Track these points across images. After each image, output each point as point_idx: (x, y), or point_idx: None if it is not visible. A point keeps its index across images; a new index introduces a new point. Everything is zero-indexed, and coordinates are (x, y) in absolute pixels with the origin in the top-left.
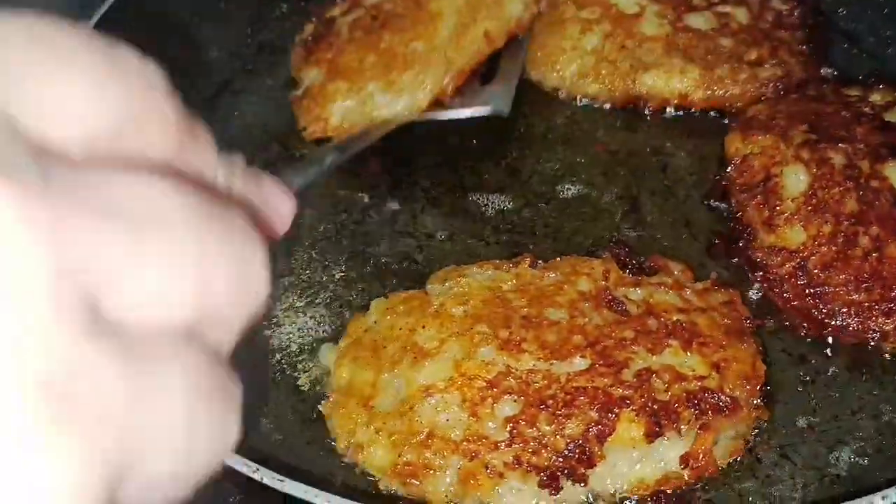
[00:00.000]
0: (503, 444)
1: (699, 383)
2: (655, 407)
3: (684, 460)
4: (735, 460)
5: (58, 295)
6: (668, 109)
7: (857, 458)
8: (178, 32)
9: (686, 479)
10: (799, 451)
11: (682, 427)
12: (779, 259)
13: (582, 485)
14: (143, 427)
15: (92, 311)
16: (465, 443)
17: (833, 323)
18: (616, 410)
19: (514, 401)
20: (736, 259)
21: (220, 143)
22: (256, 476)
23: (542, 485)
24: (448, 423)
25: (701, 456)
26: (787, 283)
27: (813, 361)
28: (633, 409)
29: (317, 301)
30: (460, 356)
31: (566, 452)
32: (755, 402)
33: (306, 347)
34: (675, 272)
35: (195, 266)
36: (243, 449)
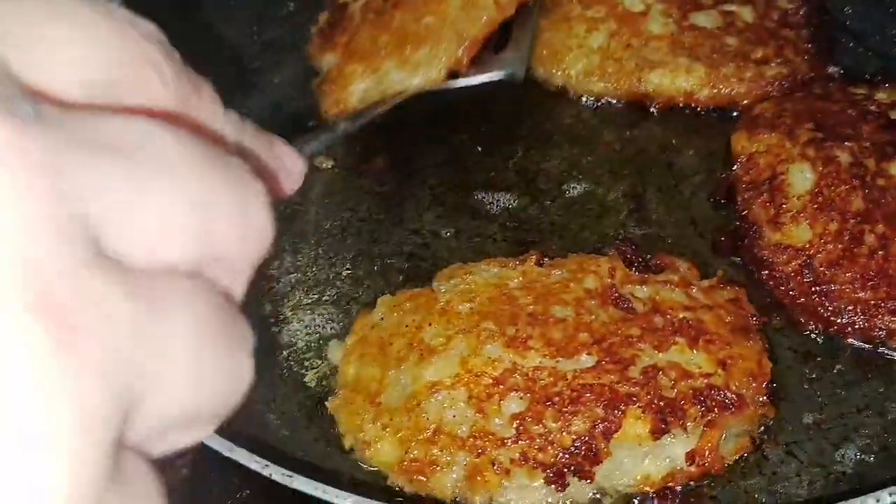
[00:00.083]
0: (510, 440)
1: (705, 380)
2: (662, 404)
3: (690, 457)
4: (741, 457)
5: (57, 224)
6: (673, 108)
7: (862, 456)
8: (183, 30)
9: (692, 475)
10: (805, 449)
11: (689, 424)
12: (785, 257)
13: (588, 481)
14: (149, 361)
15: (94, 244)
16: (471, 439)
17: (839, 321)
18: (622, 407)
19: (521, 398)
20: (742, 257)
21: None
22: (266, 472)
23: (548, 481)
24: (455, 420)
25: (707, 453)
26: (793, 280)
27: (819, 359)
28: (639, 406)
29: (324, 298)
30: (467, 353)
31: (572, 449)
32: (761, 399)
33: (313, 344)
34: (682, 270)
35: (196, 205)
36: (251, 445)
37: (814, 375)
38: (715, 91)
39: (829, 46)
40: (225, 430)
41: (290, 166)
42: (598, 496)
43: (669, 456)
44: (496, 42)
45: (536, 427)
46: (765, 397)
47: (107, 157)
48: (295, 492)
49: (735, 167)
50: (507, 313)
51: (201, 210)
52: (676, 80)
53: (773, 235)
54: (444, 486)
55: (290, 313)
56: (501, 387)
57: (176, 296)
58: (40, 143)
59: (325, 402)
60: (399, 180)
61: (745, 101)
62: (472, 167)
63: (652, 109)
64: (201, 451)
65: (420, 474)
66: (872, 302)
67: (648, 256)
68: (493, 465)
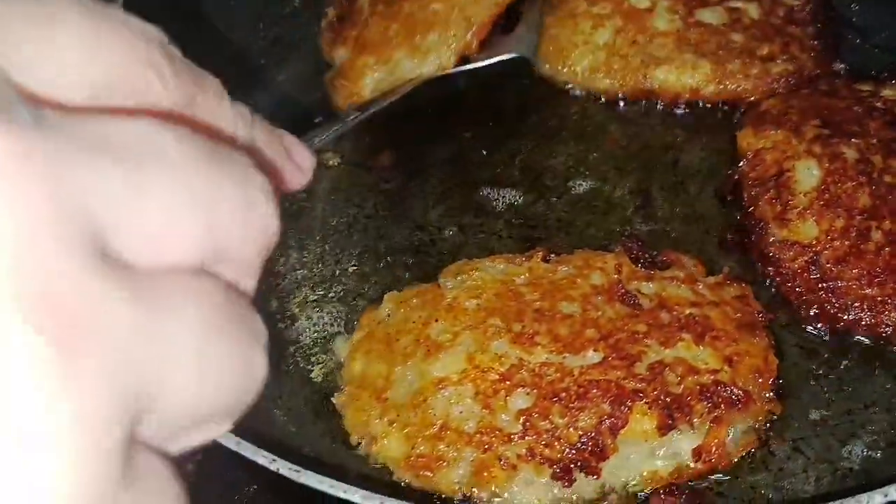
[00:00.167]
0: (516, 436)
1: (712, 377)
2: (668, 400)
3: (697, 453)
4: (748, 453)
5: (57, 230)
6: (679, 104)
7: (869, 452)
8: (189, 28)
9: (699, 471)
10: (812, 445)
11: (695, 420)
12: (791, 253)
13: (595, 477)
14: (155, 361)
15: (97, 247)
16: (478, 435)
17: (846, 317)
18: (629, 403)
19: (527, 393)
20: (748, 253)
21: None
22: (273, 467)
23: (555, 477)
24: (461, 416)
25: (713, 449)
26: (799, 277)
27: (825, 355)
28: (645, 402)
29: (330, 295)
30: (473, 349)
31: (579, 445)
32: (767, 395)
33: (320, 340)
34: (688, 266)
35: (199, 203)
36: (258, 440)
37: (820, 372)
38: (721, 87)
39: (835, 43)
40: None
41: (300, 161)
42: (604, 492)
43: (676, 452)
44: (505, 24)
45: (543, 423)
46: (771, 393)
47: (107, 160)
48: (302, 487)
49: (741, 164)
50: (513, 309)
51: (204, 207)
52: (682, 76)
53: (780, 232)
54: (450, 481)
55: (296, 309)
56: (508, 383)
57: (181, 294)
58: (40, 149)
59: (332, 398)
60: (405, 177)
61: (751, 98)
62: (478, 164)
63: (658, 106)
64: (208, 445)
65: (426, 470)
66: (879, 298)
67: (654, 253)
68: (500, 460)
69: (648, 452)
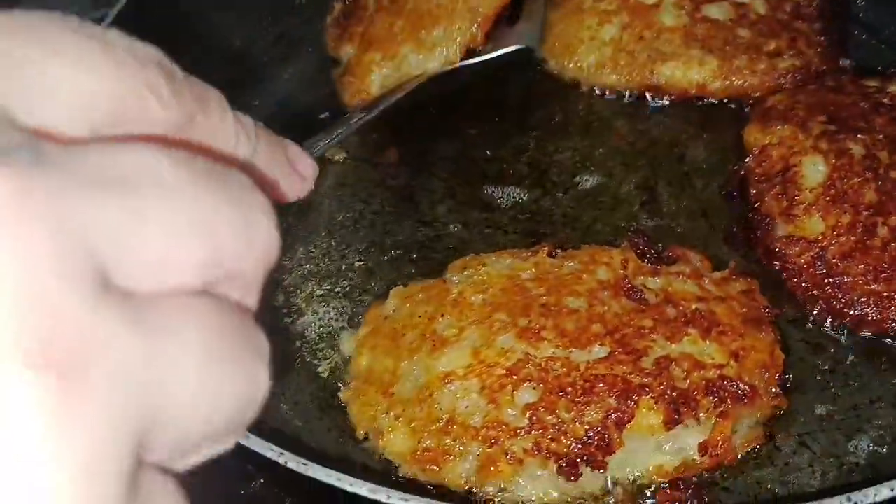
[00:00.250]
0: (522, 430)
1: (718, 371)
2: (674, 395)
3: (703, 448)
4: (754, 448)
5: (60, 269)
6: (686, 100)
7: (875, 447)
8: (196, 24)
9: (705, 466)
10: (818, 440)
11: (701, 415)
12: (797, 249)
13: (601, 471)
14: (162, 385)
15: (100, 279)
16: (484, 429)
17: (852, 312)
18: (635, 398)
19: (534, 388)
20: (754, 249)
21: None
22: (281, 460)
23: (561, 471)
24: (467, 410)
25: (719, 443)
26: (805, 272)
27: (831, 350)
28: (652, 397)
29: (336, 290)
30: (480, 344)
31: (585, 439)
32: (773, 390)
33: (326, 335)
34: (694, 261)
35: (198, 227)
36: (266, 434)
37: (826, 367)
38: (727, 83)
39: (842, 39)
40: None
41: (303, 169)
42: (610, 486)
43: (682, 446)
44: (509, 15)
45: (549, 417)
46: (777, 388)
47: (106, 192)
48: (308, 481)
49: (747, 159)
50: (519, 304)
51: (204, 231)
52: (689, 72)
53: (786, 227)
54: (456, 475)
55: (302, 305)
56: (514, 377)
57: (182, 317)
58: (40, 187)
59: (338, 393)
60: (411, 172)
61: (758, 94)
62: (485, 159)
63: (664, 102)
64: None
65: (433, 464)
66: (885, 294)
67: (661, 248)
68: (506, 455)
69: (654, 447)
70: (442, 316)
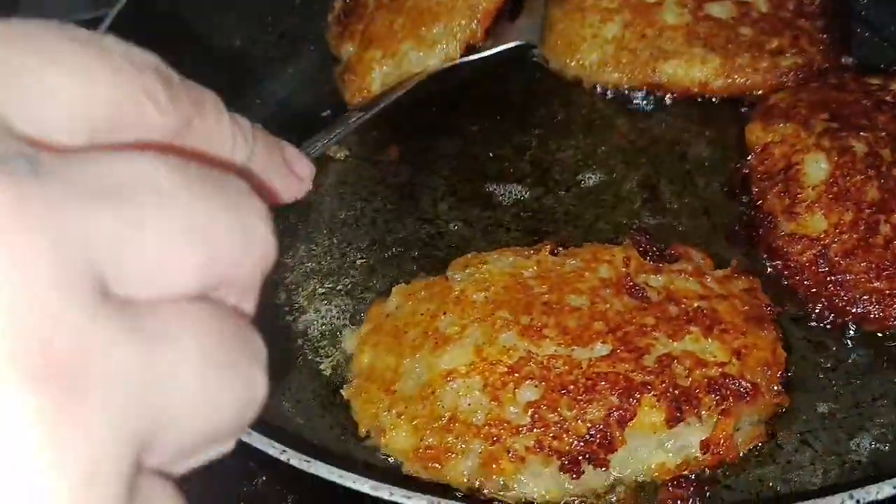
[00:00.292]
0: (525, 428)
1: (720, 369)
2: (676, 392)
3: (705, 446)
4: (756, 446)
5: (58, 280)
6: (688, 98)
7: (877, 445)
8: (197, 23)
9: (707, 464)
10: (819, 438)
11: (703, 413)
12: (799, 247)
13: (603, 469)
14: (161, 391)
15: (97, 288)
16: (486, 427)
17: (854, 310)
18: (637, 396)
19: (536, 386)
20: (756, 247)
21: None
22: (283, 457)
23: (563, 469)
24: (470, 408)
25: (721, 441)
26: (807, 270)
27: (833, 348)
28: (654, 395)
29: (338, 287)
30: (482, 341)
31: (587, 437)
32: (775, 388)
33: (328, 333)
34: (696, 259)
35: (195, 233)
36: (268, 431)
37: (828, 365)
38: (729, 81)
39: (844, 36)
40: None
41: (300, 171)
42: (613, 484)
43: (684, 444)
44: (509, 11)
45: (551, 415)
46: (779, 386)
47: (104, 200)
48: (310, 478)
49: (749, 157)
50: (521, 302)
51: (200, 237)
52: (691, 70)
53: (788, 225)
54: (458, 473)
55: (304, 302)
56: (516, 375)
57: (182, 324)
58: (38, 198)
59: (340, 391)
60: (413, 170)
61: (760, 92)
62: (486, 157)
63: (666, 100)
64: None
65: (435, 462)
66: (887, 291)
67: (663, 246)
68: (508, 452)
69: (656, 445)
70: (444, 313)
